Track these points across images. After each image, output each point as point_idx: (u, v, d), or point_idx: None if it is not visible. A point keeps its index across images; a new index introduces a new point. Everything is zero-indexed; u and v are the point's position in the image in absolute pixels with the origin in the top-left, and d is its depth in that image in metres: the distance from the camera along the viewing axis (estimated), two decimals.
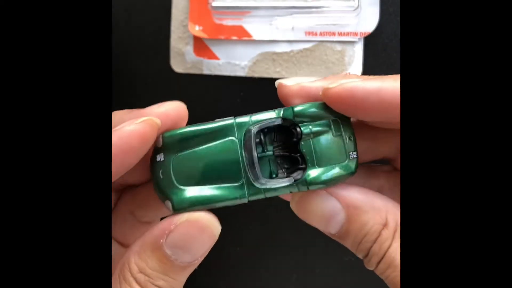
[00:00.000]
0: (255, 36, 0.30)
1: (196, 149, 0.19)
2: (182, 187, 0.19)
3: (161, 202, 0.20)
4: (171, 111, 0.20)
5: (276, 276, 0.35)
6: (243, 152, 0.19)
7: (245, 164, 0.19)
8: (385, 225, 0.18)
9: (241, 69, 0.31)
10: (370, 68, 0.30)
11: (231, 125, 0.19)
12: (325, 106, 0.19)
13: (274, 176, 0.19)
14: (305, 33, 0.30)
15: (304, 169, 0.19)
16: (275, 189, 0.19)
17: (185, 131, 0.20)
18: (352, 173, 0.19)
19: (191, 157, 0.19)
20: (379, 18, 0.29)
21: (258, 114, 0.20)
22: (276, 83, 0.20)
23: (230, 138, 0.19)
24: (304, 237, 0.34)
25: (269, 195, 0.19)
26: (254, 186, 0.19)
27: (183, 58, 0.32)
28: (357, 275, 0.34)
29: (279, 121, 0.19)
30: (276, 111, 0.19)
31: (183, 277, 0.19)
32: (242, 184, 0.19)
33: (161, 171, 0.19)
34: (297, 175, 0.19)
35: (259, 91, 0.31)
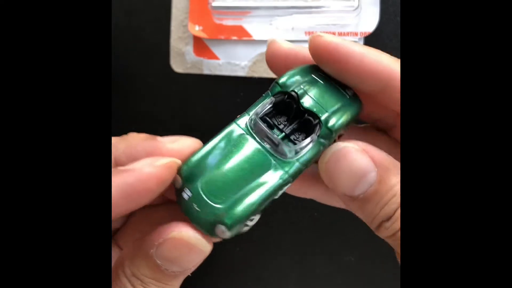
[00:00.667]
0: (255, 36, 0.30)
1: (216, 164, 0.19)
2: (223, 205, 0.18)
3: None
4: (186, 149, 0.20)
5: (276, 276, 0.35)
6: (258, 139, 0.19)
7: (267, 147, 0.19)
8: None
9: (241, 69, 0.31)
10: None
11: (234, 127, 0.19)
12: (306, 69, 0.20)
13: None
14: (305, 33, 0.30)
15: (320, 121, 0.19)
16: (306, 153, 0.19)
17: (199, 157, 0.19)
18: (360, 105, 0.20)
19: (216, 174, 0.19)
20: (379, 18, 0.29)
21: (251, 106, 0.20)
22: (269, 41, 0.21)
23: (239, 135, 0.19)
24: (304, 237, 0.34)
25: (303, 161, 0.19)
26: (286, 161, 0.19)
27: (183, 58, 0.32)
28: (357, 275, 0.34)
29: (272, 99, 0.20)
30: (264, 94, 0.20)
31: (177, 283, 0.19)
32: (275, 165, 0.19)
33: (195, 205, 0.18)
34: (317, 130, 0.19)
35: (259, 91, 0.31)
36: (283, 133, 0.19)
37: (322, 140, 0.19)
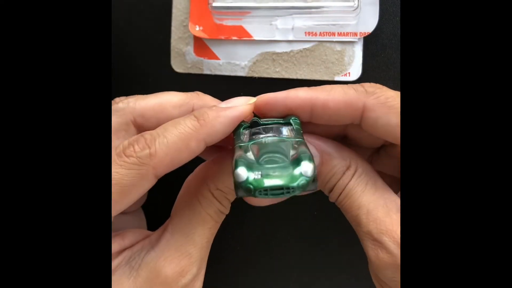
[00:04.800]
0: (255, 36, 0.31)
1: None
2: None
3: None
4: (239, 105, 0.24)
5: (276, 276, 0.35)
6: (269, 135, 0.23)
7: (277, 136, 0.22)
8: (348, 167, 0.23)
9: (241, 69, 0.31)
10: (370, 68, 0.30)
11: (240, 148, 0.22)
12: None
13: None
14: (305, 33, 0.30)
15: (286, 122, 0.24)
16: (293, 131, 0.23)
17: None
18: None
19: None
20: (378, 18, 0.29)
21: (236, 140, 0.23)
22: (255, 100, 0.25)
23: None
24: (304, 237, 0.34)
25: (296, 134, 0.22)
26: (289, 137, 0.22)
27: (183, 58, 0.32)
28: (357, 275, 0.34)
29: (246, 130, 0.23)
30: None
31: None
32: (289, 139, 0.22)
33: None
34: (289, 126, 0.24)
35: (259, 91, 0.32)
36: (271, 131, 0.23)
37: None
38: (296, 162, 0.19)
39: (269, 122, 0.24)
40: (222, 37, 0.31)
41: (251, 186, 0.19)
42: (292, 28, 0.30)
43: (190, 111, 0.25)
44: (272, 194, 0.19)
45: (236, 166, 0.19)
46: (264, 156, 0.20)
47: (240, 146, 0.21)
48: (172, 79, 0.32)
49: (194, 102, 0.26)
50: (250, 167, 0.19)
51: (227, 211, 0.25)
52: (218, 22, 0.31)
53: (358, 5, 0.28)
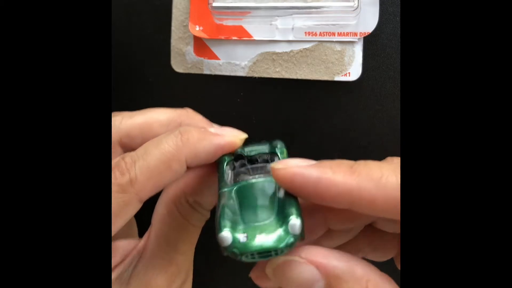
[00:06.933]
0: (255, 36, 0.31)
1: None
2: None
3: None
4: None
5: None
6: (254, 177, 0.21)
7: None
8: None
9: (241, 69, 0.31)
10: (370, 68, 0.30)
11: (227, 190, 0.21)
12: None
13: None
14: (305, 33, 0.30)
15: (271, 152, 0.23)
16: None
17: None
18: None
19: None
20: (378, 18, 0.29)
21: (220, 180, 0.22)
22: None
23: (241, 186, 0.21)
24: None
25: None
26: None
27: (183, 58, 0.32)
28: None
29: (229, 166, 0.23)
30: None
31: None
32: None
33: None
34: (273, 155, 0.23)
35: (259, 91, 0.32)
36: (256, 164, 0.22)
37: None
38: (282, 216, 0.18)
39: (254, 152, 0.23)
40: (222, 37, 0.31)
41: (237, 251, 0.18)
42: (292, 28, 0.30)
43: None
44: (260, 257, 0.18)
45: (220, 229, 0.18)
46: (248, 204, 0.19)
47: (224, 193, 0.20)
48: (172, 79, 0.32)
49: (182, 120, 0.25)
50: (234, 225, 0.18)
51: (207, 216, 0.25)
52: (218, 22, 0.31)
53: (358, 5, 0.28)
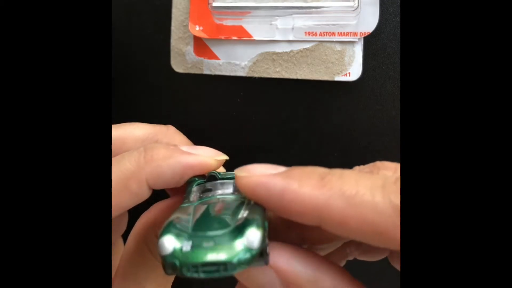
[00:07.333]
0: (255, 36, 0.31)
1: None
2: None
3: None
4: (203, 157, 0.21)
5: None
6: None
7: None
8: None
9: (241, 69, 0.31)
10: (370, 68, 0.30)
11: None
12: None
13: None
14: (305, 33, 0.30)
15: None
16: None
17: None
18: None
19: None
20: (379, 18, 0.29)
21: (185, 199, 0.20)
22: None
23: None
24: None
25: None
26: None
27: (183, 58, 0.32)
28: (357, 275, 0.34)
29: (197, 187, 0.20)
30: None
31: None
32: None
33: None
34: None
35: (259, 91, 0.32)
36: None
37: None
38: (240, 228, 0.15)
39: (229, 176, 0.20)
40: (222, 37, 0.31)
41: (177, 262, 0.14)
42: (292, 28, 0.30)
43: None
44: (205, 272, 0.14)
45: (161, 234, 0.15)
46: (206, 216, 0.16)
47: (180, 208, 0.17)
48: (172, 79, 0.32)
49: (159, 138, 0.23)
50: (180, 232, 0.15)
51: None
52: (218, 22, 0.31)
53: (358, 5, 0.28)
